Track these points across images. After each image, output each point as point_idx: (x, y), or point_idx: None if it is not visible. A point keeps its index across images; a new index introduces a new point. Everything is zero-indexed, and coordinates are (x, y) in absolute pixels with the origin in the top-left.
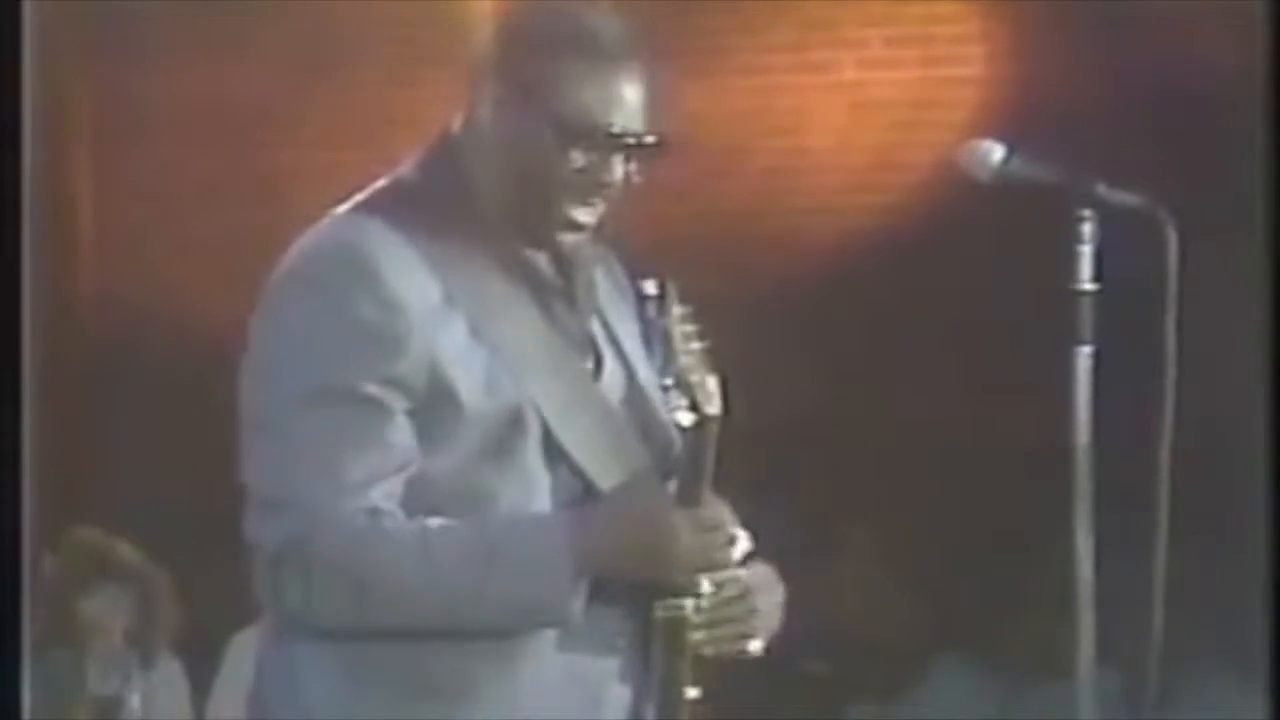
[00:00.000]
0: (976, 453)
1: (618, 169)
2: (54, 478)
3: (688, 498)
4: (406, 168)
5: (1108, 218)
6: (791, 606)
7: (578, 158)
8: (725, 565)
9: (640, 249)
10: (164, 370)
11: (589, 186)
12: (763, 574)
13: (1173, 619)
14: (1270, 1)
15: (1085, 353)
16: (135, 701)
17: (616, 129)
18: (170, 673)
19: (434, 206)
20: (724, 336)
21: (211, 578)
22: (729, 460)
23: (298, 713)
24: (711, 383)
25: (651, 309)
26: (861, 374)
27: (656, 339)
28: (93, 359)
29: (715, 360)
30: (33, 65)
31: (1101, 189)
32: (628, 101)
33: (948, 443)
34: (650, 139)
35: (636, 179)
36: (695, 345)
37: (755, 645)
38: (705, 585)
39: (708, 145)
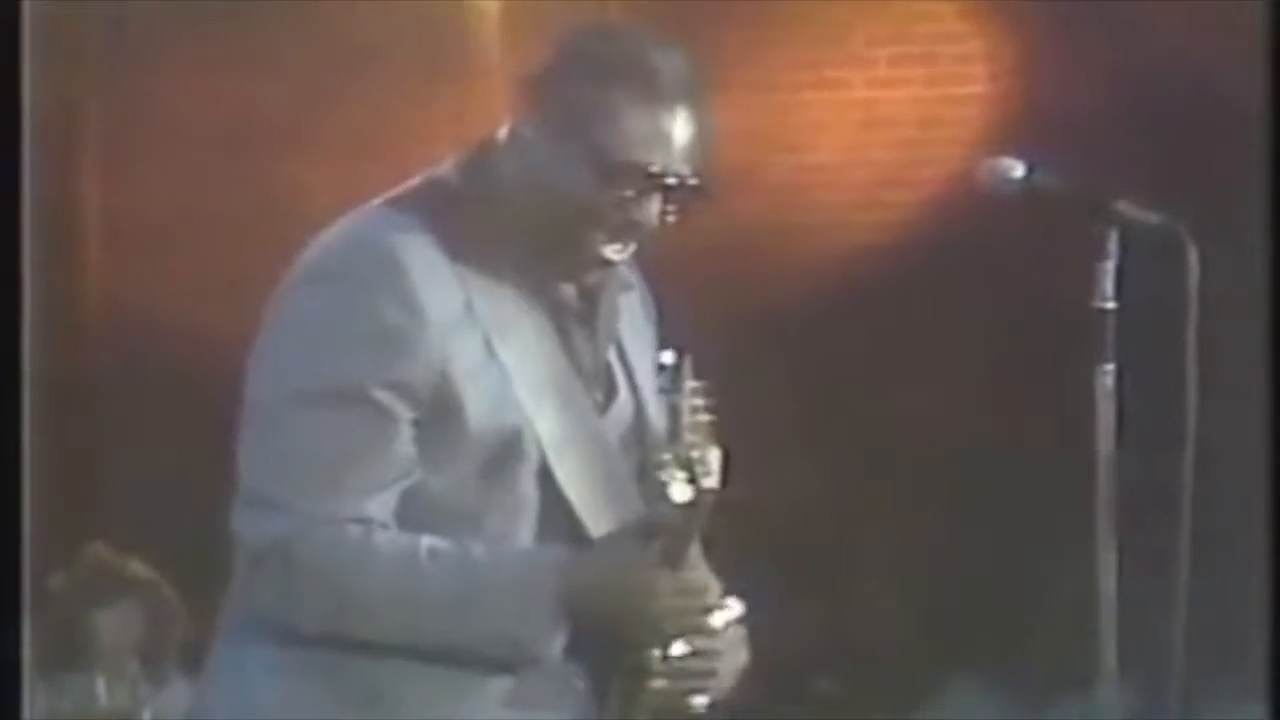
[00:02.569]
0: (989, 470)
1: (653, 208)
2: (61, 493)
3: (672, 560)
4: (445, 168)
5: (1124, 234)
6: (801, 624)
7: (614, 194)
8: (701, 630)
9: (651, 263)
10: (173, 384)
11: (623, 225)
12: (732, 636)
13: (1193, 635)
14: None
15: (1107, 370)
16: (147, 718)
17: (657, 168)
18: (182, 690)
19: (467, 211)
20: (733, 350)
21: (223, 594)
22: (735, 476)
23: (245, 714)
24: (714, 456)
25: (666, 380)
26: (872, 389)
27: (666, 411)
28: (101, 373)
29: (722, 424)
30: (36, 72)
31: (1122, 206)
32: (674, 142)
33: (960, 460)
34: (692, 181)
35: (671, 219)
36: (703, 419)
37: (700, 702)
38: (678, 647)
39: (720, 161)
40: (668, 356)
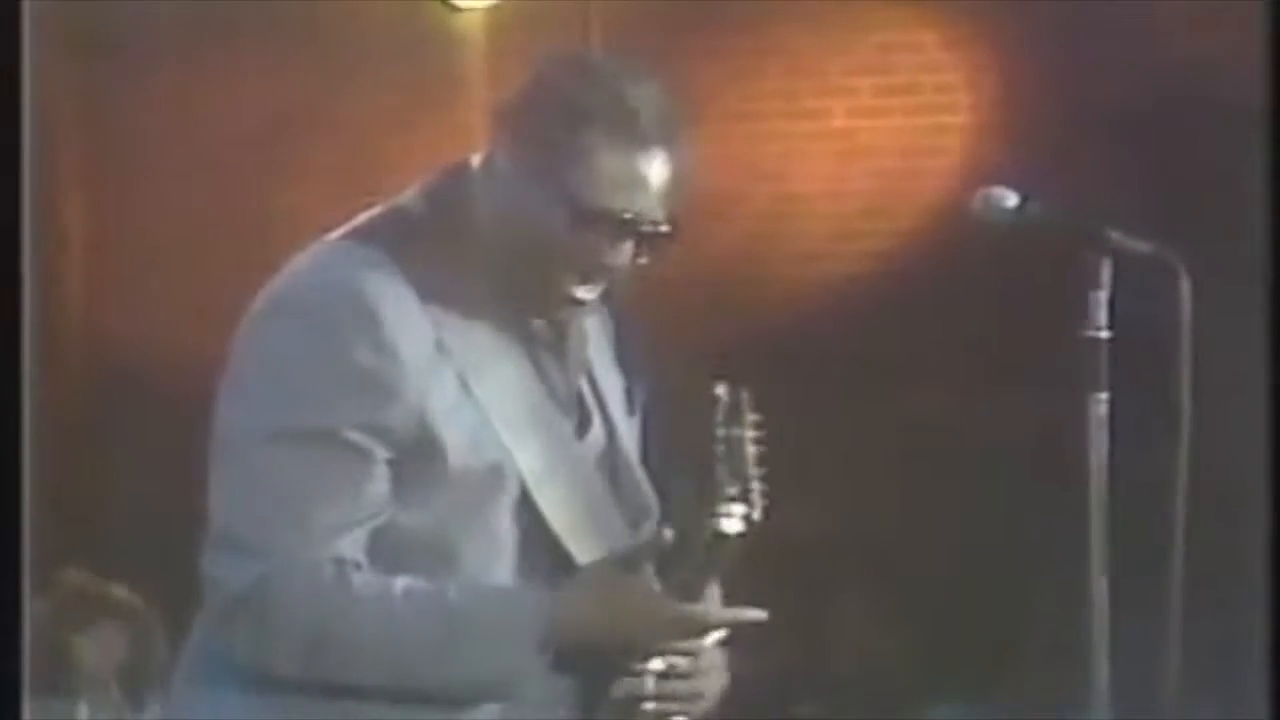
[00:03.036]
0: (977, 496)
1: (625, 253)
2: (41, 516)
3: (689, 593)
4: (410, 196)
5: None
6: (782, 649)
7: (586, 238)
8: (695, 651)
9: (629, 294)
10: (154, 407)
11: (593, 268)
12: (715, 657)
13: (1186, 660)
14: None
15: (1101, 399)
16: None
17: (630, 215)
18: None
19: (434, 243)
20: (711, 379)
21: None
22: None
23: None
24: (759, 488)
25: (721, 414)
26: (853, 418)
27: (724, 446)
28: (81, 398)
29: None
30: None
31: (1115, 235)
32: (650, 187)
33: (942, 489)
34: (664, 228)
35: (641, 261)
36: (755, 450)
37: None
38: (671, 661)
39: (698, 190)
40: (721, 389)
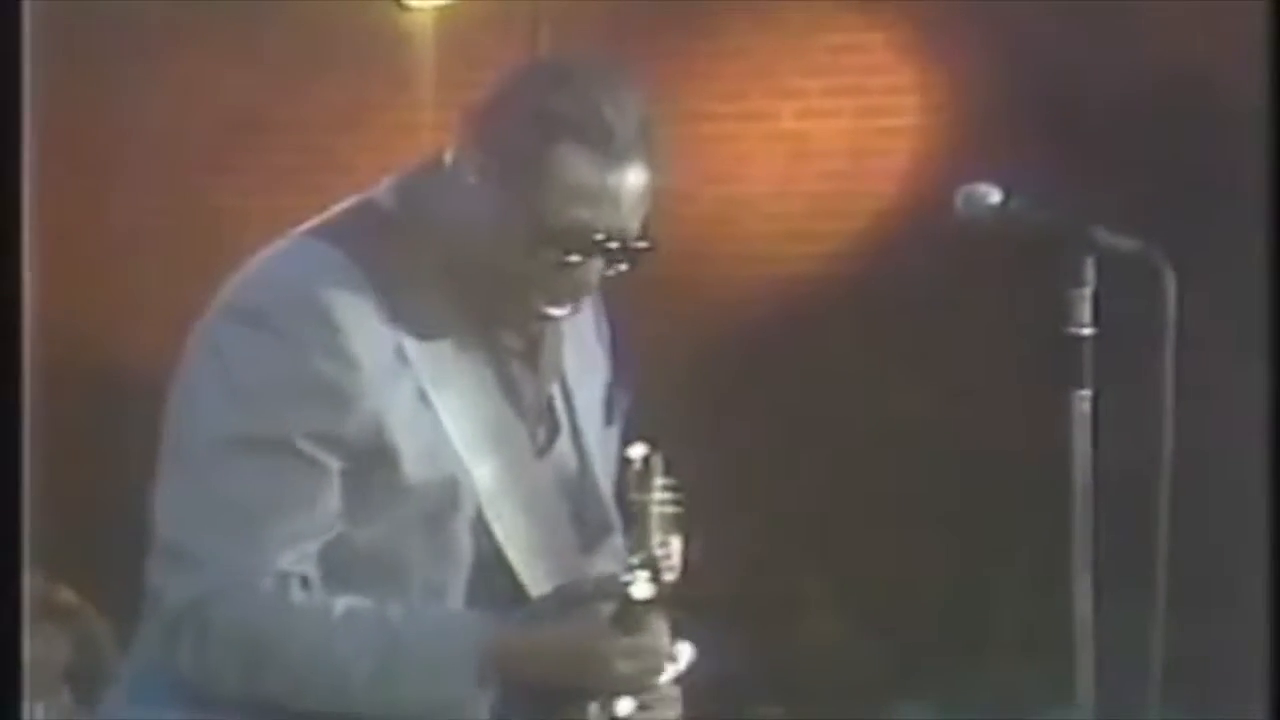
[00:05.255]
0: (923, 497)
1: (595, 270)
2: None
3: (629, 628)
4: (382, 190)
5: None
6: (744, 651)
7: (554, 258)
8: (652, 689)
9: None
10: (107, 408)
11: (565, 286)
12: (668, 691)
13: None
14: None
15: (1084, 396)
16: None
17: (601, 234)
18: None
19: (401, 243)
20: (664, 381)
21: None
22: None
23: None
24: (676, 547)
25: (632, 480)
26: (802, 420)
27: (632, 512)
28: (33, 395)
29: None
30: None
31: (1099, 232)
32: (620, 202)
33: (894, 488)
34: (640, 244)
35: (610, 274)
36: (670, 511)
37: None
38: (623, 705)
39: None
40: (637, 450)
